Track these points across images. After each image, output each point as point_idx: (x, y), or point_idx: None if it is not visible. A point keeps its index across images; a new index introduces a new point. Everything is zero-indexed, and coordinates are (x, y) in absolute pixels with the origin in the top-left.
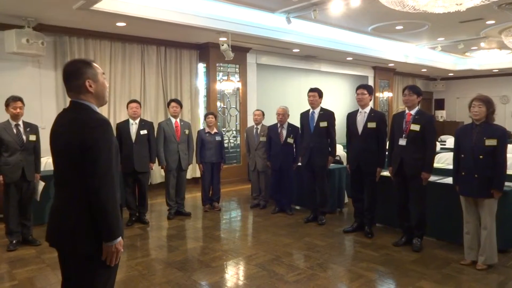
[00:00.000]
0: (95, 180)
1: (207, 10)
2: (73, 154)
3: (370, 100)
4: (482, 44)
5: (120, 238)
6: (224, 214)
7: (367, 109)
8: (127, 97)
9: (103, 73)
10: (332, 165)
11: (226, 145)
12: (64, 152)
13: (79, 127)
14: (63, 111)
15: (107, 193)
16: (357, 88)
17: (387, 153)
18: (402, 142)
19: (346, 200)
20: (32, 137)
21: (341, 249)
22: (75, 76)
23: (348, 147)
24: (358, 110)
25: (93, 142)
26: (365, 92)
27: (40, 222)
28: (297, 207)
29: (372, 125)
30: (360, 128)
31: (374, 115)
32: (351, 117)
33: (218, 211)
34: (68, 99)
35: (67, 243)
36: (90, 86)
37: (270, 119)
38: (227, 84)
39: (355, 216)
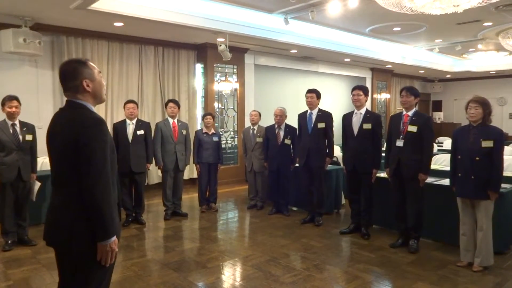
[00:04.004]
0: (89, 179)
1: (204, 11)
2: (69, 154)
3: (366, 101)
4: (480, 46)
5: (114, 238)
6: (221, 215)
7: (363, 110)
8: (124, 97)
9: (100, 72)
10: (329, 166)
11: (223, 145)
12: (61, 152)
13: (74, 126)
14: (59, 110)
15: (101, 192)
16: (353, 89)
17: (384, 154)
18: (399, 143)
19: (343, 201)
20: (29, 137)
21: (338, 250)
22: (71, 76)
23: (344, 148)
24: (353, 111)
25: (87, 141)
26: (361, 93)
27: (36, 222)
28: (294, 208)
29: (367, 126)
30: (355, 129)
31: (369, 116)
32: (347, 118)
33: (215, 212)
34: (65, 99)
35: (64, 242)
36: (88, 85)
37: (268, 120)
38: (224, 85)
39: (352, 217)
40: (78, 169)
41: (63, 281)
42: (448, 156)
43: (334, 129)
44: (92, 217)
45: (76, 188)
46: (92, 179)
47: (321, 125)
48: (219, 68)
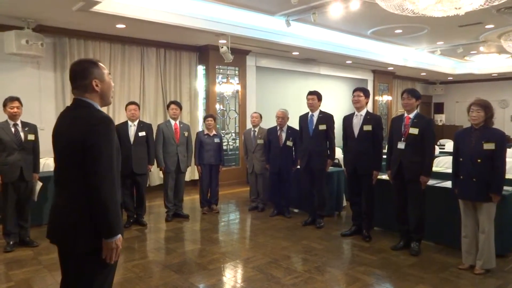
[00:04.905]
0: (96, 177)
1: (206, 12)
2: (75, 152)
3: (367, 103)
4: (481, 49)
5: (119, 235)
6: (222, 216)
7: (363, 112)
8: (126, 99)
9: (109, 73)
10: (330, 168)
11: (225, 147)
12: (66, 150)
13: (80, 125)
14: (65, 109)
15: (108, 191)
16: (354, 91)
17: (386, 156)
18: (401, 145)
19: (345, 203)
20: (31, 137)
21: (339, 252)
22: (82, 75)
23: (344, 150)
24: (354, 113)
25: (95, 139)
26: (361, 94)
27: (37, 223)
28: (296, 210)
29: (368, 128)
30: (356, 131)
31: (370, 118)
32: (347, 120)
33: (216, 214)
34: (68, 100)
35: (68, 240)
36: (97, 85)
37: (269, 122)
38: (226, 87)
39: (353, 219)
40: (84, 167)
41: (66, 280)
42: (449, 159)
43: (336, 131)
44: (98, 215)
45: (81, 186)
46: (99, 178)
47: (322, 127)
48: (221, 70)
